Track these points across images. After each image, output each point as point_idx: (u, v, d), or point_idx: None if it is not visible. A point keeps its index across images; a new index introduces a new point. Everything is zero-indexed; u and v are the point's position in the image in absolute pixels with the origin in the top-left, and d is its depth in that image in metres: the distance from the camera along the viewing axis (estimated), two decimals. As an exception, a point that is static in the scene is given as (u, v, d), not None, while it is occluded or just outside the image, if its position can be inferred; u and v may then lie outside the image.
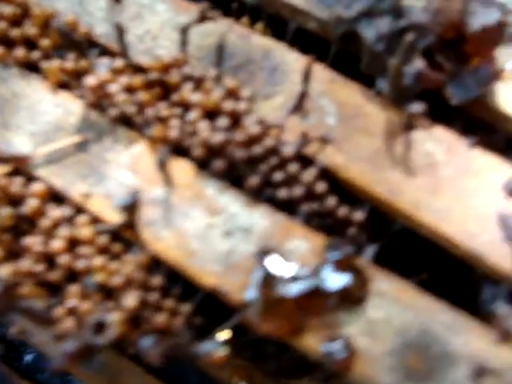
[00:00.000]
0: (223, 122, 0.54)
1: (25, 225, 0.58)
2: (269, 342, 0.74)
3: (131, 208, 0.53)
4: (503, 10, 0.55)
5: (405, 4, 0.57)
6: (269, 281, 0.50)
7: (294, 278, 0.50)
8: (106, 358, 0.95)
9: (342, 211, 0.55)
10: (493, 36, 0.56)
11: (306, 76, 0.56)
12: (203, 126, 0.54)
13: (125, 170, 0.56)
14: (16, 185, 0.57)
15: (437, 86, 0.55)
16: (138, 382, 1.05)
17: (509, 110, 0.57)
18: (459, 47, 0.56)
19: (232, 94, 0.56)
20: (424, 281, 0.55)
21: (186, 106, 0.56)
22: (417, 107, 0.54)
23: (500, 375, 0.48)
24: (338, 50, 0.60)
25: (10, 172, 0.58)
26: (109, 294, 0.54)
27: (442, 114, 0.58)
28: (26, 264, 0.56)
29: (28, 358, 1.12)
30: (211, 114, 0.55)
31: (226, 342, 0.52)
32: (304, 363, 0.69)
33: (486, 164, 0.56)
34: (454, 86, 0.56)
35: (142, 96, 0.56)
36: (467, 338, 0.50)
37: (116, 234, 0.55)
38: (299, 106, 0.56)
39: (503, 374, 0.49)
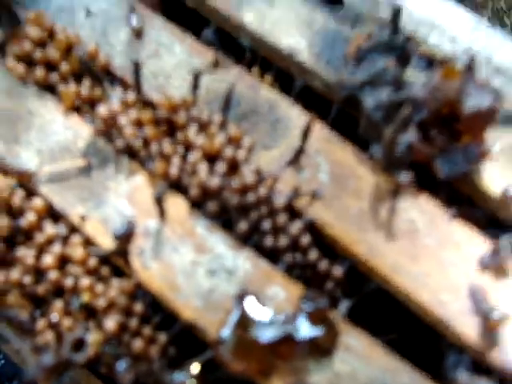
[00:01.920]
0: (221, 167, 0.57)
1: (20, 237, 0.60)
2: (239, 382, 0.76)
3: (125, 237, 0.55)
4: (496, 96, 0.59)
5: (407, 78, 0.61)
6: (244, 323, 0.52)
7: (269, 323, 0.52)
8: (75, 374, 0.96)
9: (323, 265, 0.58)
10: (485, 118, 0.59)
11: (305, 133, 0.59)
12: (202, 168, 0.57)
13: (123, 199, 0.59)
14: (17, 197, 0.60)
15: (427, 158, 0.59)
16: None
17: (491, 189, 0.60)
18: (452, 124, 0.59)
19: (234, 141, 0.59)
20: (393, 341, 0.58)
21: (188, 147, 0.59)
22: (405, 176, 0.57)
23: None
24: (339, 110, 0.64)
25: (14, 185, 0.61)
26: (91, 314, 0.57)
27: (429, 183, 0.61)
28: (15, 274, 0.58)
29: None
30: (212, 158, 0.58)
31: (197, 376, 0.54)
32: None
33: (465, 237, 0.58)
34: (443, 160, 0.59)
35: (149, 131, 0.59)
36: (425, 402, 0.52)
37: (106, 258, 0.57)
38: (295, 160, 0.60)
39: None
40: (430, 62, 0.65)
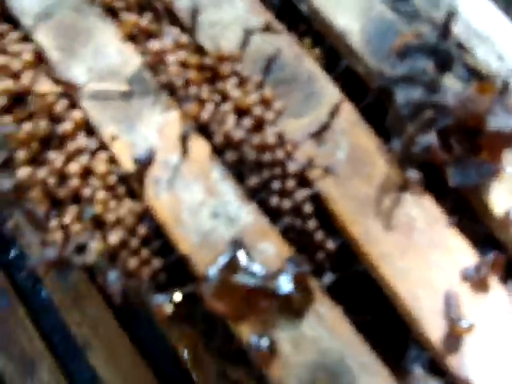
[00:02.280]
0: (248, 122, 0.61)
1: (54, 141, 0.65)
2: (220, 322, 0.81)
3: (145, 164, 0.60)
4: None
5: (444, 83, 0.63)
6: (231, 267, 0.56)
7: (253, 273, 0.56)
8: (77, 280, 1.04)
9: (318, 235, 0.61)
10: (506, 140, 0.61)
11: (334, 111, 0.63)
12: (231, 120, 0.61)
13: (153, 130, 0.63)
14: (60, 105, 0.65)
15: (441, 163, 0.61)
16: (96, 312, 1.14)
17: (495, 208, 0.62)
18: (474, 137, 0.62)
19: (266, 102, 0.63)
20: (365, 322, 0.61)
21: (224, 97, 0.63)
22: (414, 174, 0.60)
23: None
24: (373, 98, 0.66)
25: (60, 93, 0.66)
26: (99, 225, 0.62)
27: (438, 187, 0.64)
28: (42, 173, 0.63)
29: (13, 253, 1.22)
30: (242, 112, 0.62)
31: (176, 304, 0.59)
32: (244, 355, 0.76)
33: (457, 245, 0.61)
34: (456, 169, 0.62)
35: (192, 74, 0.63)
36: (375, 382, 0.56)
37: (124, 179, 0.62)
38: (319, 134, 0.63)
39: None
40: (473, 73, 0.67)
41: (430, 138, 0.60)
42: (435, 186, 0.64)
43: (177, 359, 1.11)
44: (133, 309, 1.09)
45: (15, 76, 0.66)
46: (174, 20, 0.69)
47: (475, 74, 0.67)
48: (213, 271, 0.56)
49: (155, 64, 0.65)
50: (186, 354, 1.09)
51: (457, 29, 0.67)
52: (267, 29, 0.66)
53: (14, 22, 0.70)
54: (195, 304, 0.61)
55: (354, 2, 0.70)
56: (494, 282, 0.61)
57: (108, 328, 1.14)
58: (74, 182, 0.63)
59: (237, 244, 0.57)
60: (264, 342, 0.55)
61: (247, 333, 0.56)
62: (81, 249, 0.60)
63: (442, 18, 0.66)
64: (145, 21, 0.67)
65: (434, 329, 0.59)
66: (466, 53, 0.67)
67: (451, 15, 0.62)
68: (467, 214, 0.65)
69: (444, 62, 0.63)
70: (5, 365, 1.15)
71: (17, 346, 1.14)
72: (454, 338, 0.58)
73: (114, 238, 0.60)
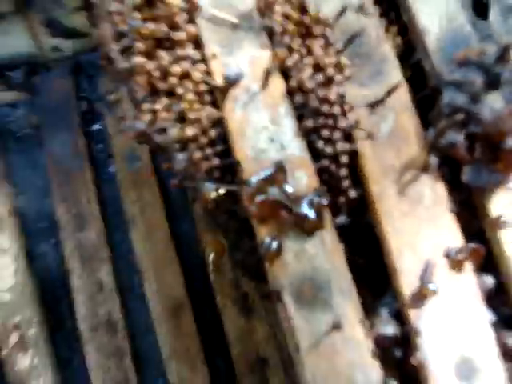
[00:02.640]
0: (320, 77, 0.75)
1: (166, 44, 0.80)
2: (247, 238, 0.97)
3: (232, 83, 0.75)
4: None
5: (486, 98, 0.75)
6: (269, 181, 0.72)
7: (284, 191, 0.71)
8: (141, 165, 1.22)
9: (345, 183, 0.76)
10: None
11: (391, 91, 0.76)
12: (308, 71, 0.75)
13: (246, 59, 0.78)
14: (181, 17, 0.80)
15: (461, 160, 0.74)
16: (149, 197, 1.33)
17: (491, 211, 0.75)
18: (495, 150, 0.74)
19: (339, 67, 0.77)
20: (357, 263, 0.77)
21: (308, 52, 0.77)
22: (434, 162, 0.74)
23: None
24: (429, 93, 0.80)
25: (183, 8, 0.81)
26: (181, 119, 0.78)
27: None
28: (151, 65, 0.79)
29: (96, 126, 1.41)
30: (318, 68, 0.76)
31: (219, 195, 0.75)
32: (258, 272, 0.92)
33: (450, 227, 0.75)
34: (472, 169, 0.75)
35: (290, 26, 0.77)
36: (345, 307, 0.71)
37: (211, 90, 0.77)
38: (372, 105, 0.77)
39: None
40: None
41: (458, 137, 0.73)
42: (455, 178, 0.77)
43: (203, 261, 1.29)
44: (181, 205, 1.28)
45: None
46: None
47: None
48: (255, 179, 0.72)
49: (265, 9, 0.79)
50: (211, 257, 1.27)
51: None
52: (361, 9, 0.79)
53: None
54: (235, 203, 0.77)
55: (441, 8, 0.82)
56: (469, 268, 0.74)
57: (154, 213, 1.32)
58: (173, 80, 0.78)
59: (279, 165, 0.72)
60: (274, 245, 0.70)
61: (264, 233, 0.72)
62: (162, 130, 0.76)
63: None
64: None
65: (407, 285, 0.73)
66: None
67: (507, 46, 0.74)
68: (470, 208, 0.78)
69: (492, 82, 0.75)
70: (62, 214, 1.34)
71: (76, 203, 1.33)
72: (419, 297, 0.72)
73: (190, 131, 0.76)
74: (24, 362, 1.23)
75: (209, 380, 1.24)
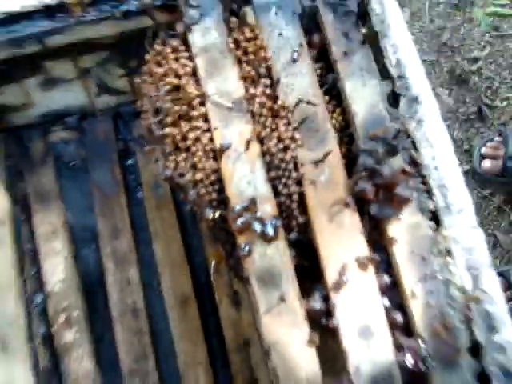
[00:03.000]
0: (281, 146, 1.18)
1: (186, 117, 1.23)
2: (237, 247, 1.37)
3: (226, 147, 1.19)
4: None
5: (390, 161, 1.18)
6: (246, 209, 1.14)
7: (255, 216, 1.14)
8: (162, 193, 1.63)
9: (295, 212, 1.19)
10: (403, 201, 1.16)
11: (327, 155, 1.19)
12: (273, 141, 1.18)
13: (236, 131, 1.19)
14: (195, 101, 1.23)
15: (369, 200, 1.16)
16: (166, 215, 1.71)
17: (387, 234, 1.18)
18: (391, 193, 1.16)
19: (294, 139, 1.19)
20: (302, 264, 1.19)
21: (276, 128, 1.20)
22: (351, 200, 1.16)
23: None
24: (354, 156, 1.22)
25: (198, 95, 1.24)
26: (193, 167, 1.20)
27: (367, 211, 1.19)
28: (175, 131, 1.21)
29: (130, 162, 1.74)
30: (281, 139, 1.19)
31: (218, 222, 1.17)
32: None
33: (361, 242, 1.16)
34: (377, 206, 1.16)
35: (264, 110, 1.20)
36: (289, 288, 1.13)
37: (214, 151, 1.20)
38: (316, 164, 1.19)
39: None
40: (412, 160, 1.22)
41: (367, 185, 1.15)
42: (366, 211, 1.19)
43: (206, 266, 1.63)
44: (192, 224, 1.64)
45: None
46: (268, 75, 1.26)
47: (413, 161, 1.21)
48: (237, 208, 1.13)
49: (249, 99, 1.22)
50: (212, 263, 1.63)
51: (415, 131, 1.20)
52: (312, 100, 1.22)
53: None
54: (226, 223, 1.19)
55: (367, 99, 1.23)
56: (371, 269, 1.14)
57: (171, 230, 1.62)
58: (189, 142, 1.18)
59: (253, 200, 1.14)
60: (247, 248, 1.12)
61: (241, 241, 1.11)
62: (181, 175, 1.19)
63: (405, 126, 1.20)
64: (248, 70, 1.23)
65: (331, 278, 1.12)
66: (414, 149, 1.21)
67: (398, 132, 1.16)
68: (376, 230, 1.20)
69: (392, 150, 1.18)
70: (101, 227, 1.66)
71: (112, 219, 1.64)
72: (338, 285, 1.12)
73: (198, 176, 1.17)
74: (69, 336, 1.48)
75: (207, 355, 1.51)
